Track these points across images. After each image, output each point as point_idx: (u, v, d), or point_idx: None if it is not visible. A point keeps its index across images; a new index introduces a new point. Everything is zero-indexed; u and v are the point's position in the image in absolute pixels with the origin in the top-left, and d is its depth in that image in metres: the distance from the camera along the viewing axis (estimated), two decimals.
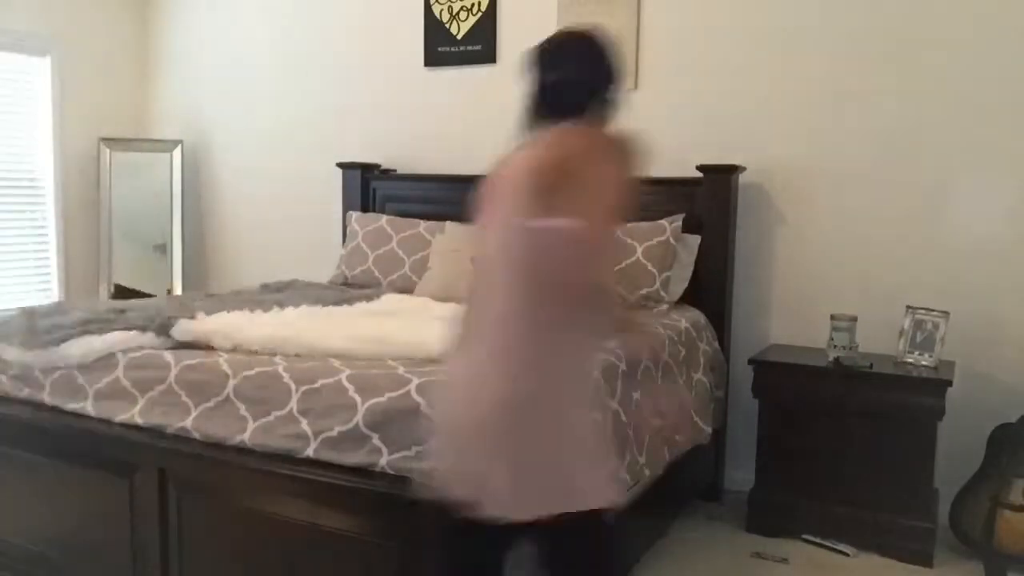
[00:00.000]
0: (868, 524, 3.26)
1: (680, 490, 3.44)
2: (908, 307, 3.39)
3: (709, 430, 3.39)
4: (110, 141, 5.22)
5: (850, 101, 3.63)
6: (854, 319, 3.40)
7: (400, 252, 4.16)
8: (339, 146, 4.84)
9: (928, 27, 3.49)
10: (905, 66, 3.53)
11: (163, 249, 5.27)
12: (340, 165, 4.68)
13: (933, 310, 3.35)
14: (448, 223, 4.02)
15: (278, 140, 5.11)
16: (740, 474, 3.77)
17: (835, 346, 3.40)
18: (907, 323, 3.38)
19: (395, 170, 4.69)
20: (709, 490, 3.77)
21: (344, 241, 4.48)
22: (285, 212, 5.10)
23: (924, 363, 3.31)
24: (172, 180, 5.25)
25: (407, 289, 3.96)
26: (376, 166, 4.67)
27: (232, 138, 5.29)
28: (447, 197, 4.37)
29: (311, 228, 4.98)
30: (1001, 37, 3.38)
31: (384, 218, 4.35)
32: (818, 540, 3.32)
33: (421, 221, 4.23)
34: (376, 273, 4.18)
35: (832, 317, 3.43)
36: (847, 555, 3.24)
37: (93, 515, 2.57)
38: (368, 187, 4.64)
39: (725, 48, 3.86)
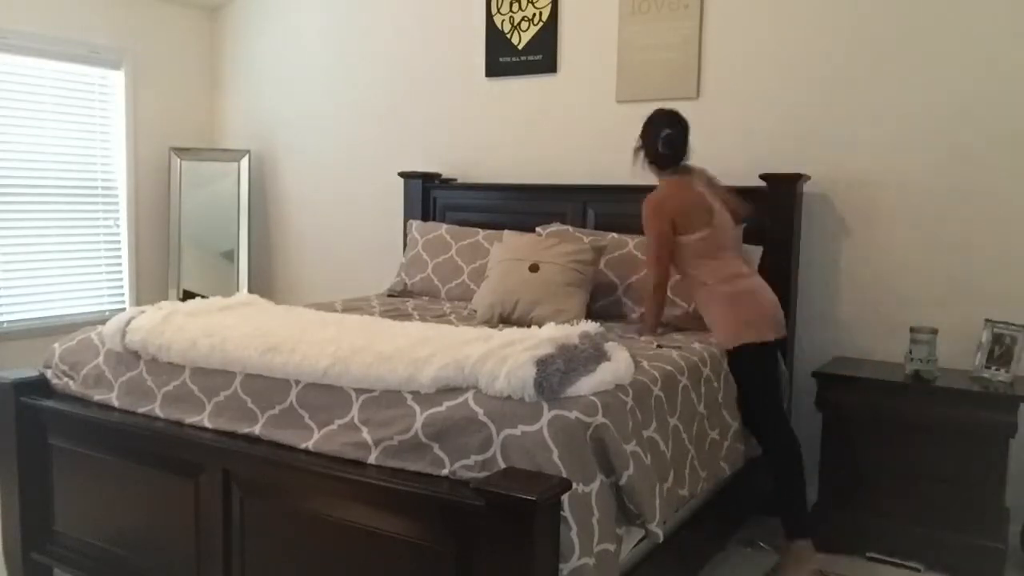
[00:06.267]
0: (935, 543, 3.16)
1: (740, 504, 3.39)
2: (987, 320, 3.28)
3: None
4: (180, 151, 5.38)
5: (918, 108, 3.54)
6: (935, 332, 3.27)
7: (459, 260, 4.18)
8: (401, 155, 4.90)
9: (998, 36, 3.39)
10: (977, 74, 3.43)
11: (230, 256, 5.40)
12: (402, 174, 4.73)
13: (1012, 324, 3.24)
14: (506, 232, 4.02)
15: (341, 150, 5.21)
16: None
17: (913, 359, 3.28)
18: (985, 337, 3.28)
19: (455, 179, 4.73)
20: (771, 504, 3.69)
21: (404, 249, 4.53)
22: (348, 221, 5.18)
23: (1000, 378, 3.21)
24: (239, 189, 5.38)
25: (465, 297, 3.99)
26: (437, 175, 4.71)
27: (297, 148, 5.40)
28: (506, 206, 4.41)
29: (373, 237, 5.05)
30: None
31: (443, 227, 4.38)
32: (883, 558, 3.24)
33: (480, 230, 4.25)
34: (435, 281, 4.21)
35: (912, 330, 3.31)
36: (918, 570, 3.15)
37: (159, 514, 2.63)
38: (429, 196, 4.69)
39: (787, 57, 3.80)
